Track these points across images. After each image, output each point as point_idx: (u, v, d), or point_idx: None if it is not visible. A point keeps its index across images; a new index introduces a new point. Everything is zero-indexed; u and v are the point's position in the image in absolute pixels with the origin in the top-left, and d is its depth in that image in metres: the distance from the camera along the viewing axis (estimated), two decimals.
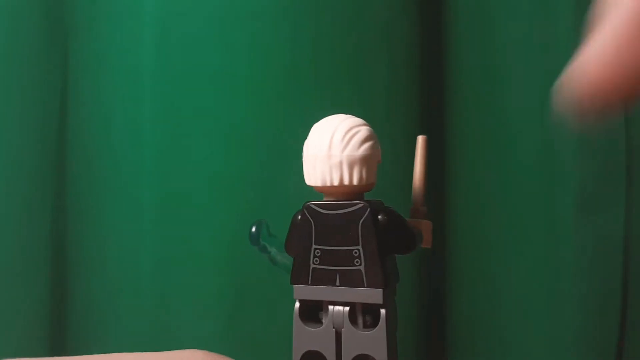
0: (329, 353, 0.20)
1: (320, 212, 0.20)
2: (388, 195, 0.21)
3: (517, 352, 0.38)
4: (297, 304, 0.21)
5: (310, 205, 0.20)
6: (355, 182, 0.20)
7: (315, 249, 0.20)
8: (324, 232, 0.20)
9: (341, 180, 0.20)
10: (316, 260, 0.20)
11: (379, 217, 0.20)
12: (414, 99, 0.37)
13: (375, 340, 0.20)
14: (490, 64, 0.38)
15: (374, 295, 0.20)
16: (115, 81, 0.39)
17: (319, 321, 0.21)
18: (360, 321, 0.20)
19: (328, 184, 0.20)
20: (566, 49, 0.36)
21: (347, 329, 0.20)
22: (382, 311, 0.20)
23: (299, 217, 0.21)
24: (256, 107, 0.35)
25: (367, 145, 0.20)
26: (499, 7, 0.37)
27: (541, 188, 0.37)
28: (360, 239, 0.20)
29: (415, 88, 0.38)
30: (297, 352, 0.21)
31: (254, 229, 0.22)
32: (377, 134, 0.21)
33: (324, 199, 0.21)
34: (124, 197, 0.39)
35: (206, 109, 0.36)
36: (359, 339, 0.20)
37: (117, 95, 0.39)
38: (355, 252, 0.20)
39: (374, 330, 0.20)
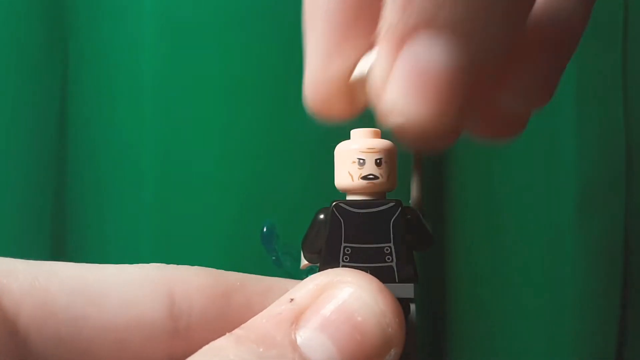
0: None
1: (351, 211, 0.20)
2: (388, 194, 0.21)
3: (517, 352, 0.38)
4: None
5: (340, 204, 0.21)
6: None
7: (345, 247, 0.20)
8: (354, 231, 0.20)
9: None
10: (346, 258, 0.20)
11: (409, 215, 0.20)
12: None
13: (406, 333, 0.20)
14: None
15: (405, 290, 0.20)
16: (116, 81, 0.39)
17: None
18: None
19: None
20: None
21: None
22: (412, 305, 0.20)
23: (324, 215, 0.21)
24: (257, 106, 0.36)
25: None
26: None
27: (541, 188, 0.37)
28: (392, 236, 0.20)
29: None
30: None
31: (265, 230, 0.22)
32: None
33: (348, 198, 0.21)
34: (124, 197, 0.39)
35: (207, 108, 0.36)
36: None
37: (117, 95, 0.39)
38: (387, 249, 0.20)
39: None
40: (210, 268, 0.21)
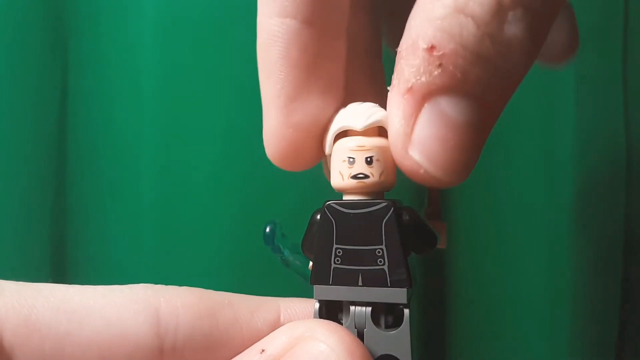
0: None
1: (342, 212, 0.20)
2: (395, 195, 0.21)
3: (517, 352, 0.38)
4: (317, 305, 0.20)
5: (331, 204, 0.20)
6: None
7: (337, 248, 0.20)
8: (345, 232, 0.20)
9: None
10: (337, 260, 0.20)
11: (403, 216, 0.20)
12: None
13: (398, 340, 0.19)
14: None
15: (397, 295, 0.19)
16: (116, 81, 0.39)
17: (338, 322, 0.20)
18: (382, 321, 0.20)
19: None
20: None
21: (370, 329, 0.20)
22: (406, 311, 0.19)
23: (319, 216, 0.20)
24: (257, 105, 0.36)
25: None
26: None
27: (541, 188, 0.37)
28: (383, 238, 0.19)
29: None
30: None
31: (268, 230, 0.22)
32: None
33: (344, 198, 0.20)
34: (124, 197, 0.39)
35: (207, 108, 0.36)
36: (382, 339, 0.20)
37: (117, 95, 0.39)
38: (379, 252, 0.19)
39: (398, 330, 0.19)
40: (198, 288, 0.20)
